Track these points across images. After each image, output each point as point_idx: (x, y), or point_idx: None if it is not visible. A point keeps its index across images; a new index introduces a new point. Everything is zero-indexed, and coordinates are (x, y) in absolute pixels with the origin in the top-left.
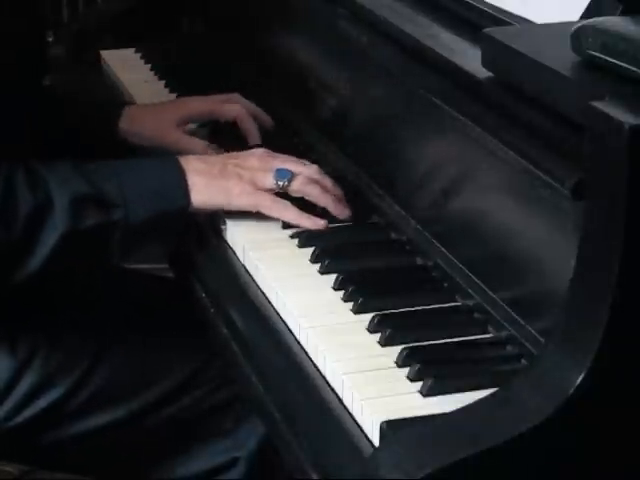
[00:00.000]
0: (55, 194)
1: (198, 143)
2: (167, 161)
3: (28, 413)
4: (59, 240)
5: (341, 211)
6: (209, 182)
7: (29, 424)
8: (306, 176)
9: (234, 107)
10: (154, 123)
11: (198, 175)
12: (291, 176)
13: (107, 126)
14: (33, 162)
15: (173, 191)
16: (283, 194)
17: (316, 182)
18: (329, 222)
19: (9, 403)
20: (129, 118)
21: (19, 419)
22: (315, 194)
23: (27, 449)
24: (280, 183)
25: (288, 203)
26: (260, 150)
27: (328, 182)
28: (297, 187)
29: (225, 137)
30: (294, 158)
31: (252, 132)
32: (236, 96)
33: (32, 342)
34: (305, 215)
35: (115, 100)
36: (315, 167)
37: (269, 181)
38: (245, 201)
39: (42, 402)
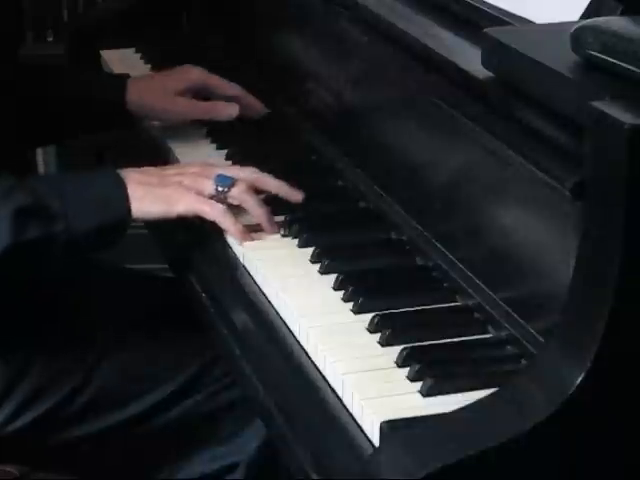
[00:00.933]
0: None
1: (220, 105)
2: (106, 173)
3: (26, 419)
4: (2, 253)
5: (270, 228)
6: (148, 191)
7: (27, 429)
8: (246, 182)
9: (234, 86)
10: (157, 94)
11: (137, 185)
12: (231, 182)
13: (115, 99)
14: None
15: (113, 202)
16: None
17: (258, 184)
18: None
19: (6, 409)
20: (133, 90)
21: (18, 424)
22: (250, 205)
23: (26, 453)
24: (220, 189)
25: (227, 209)
26: (199, 161)
27: (269, 180)
28: (236, 194)
29: (225, 136)
30: (236, 166)
31: (257, 107)
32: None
33: (27, 350)
34: (239, 227)
35: (113, 74)
36: (253, 169)
37: (209, 187)
38: (184, 207)
39: (39, 408)
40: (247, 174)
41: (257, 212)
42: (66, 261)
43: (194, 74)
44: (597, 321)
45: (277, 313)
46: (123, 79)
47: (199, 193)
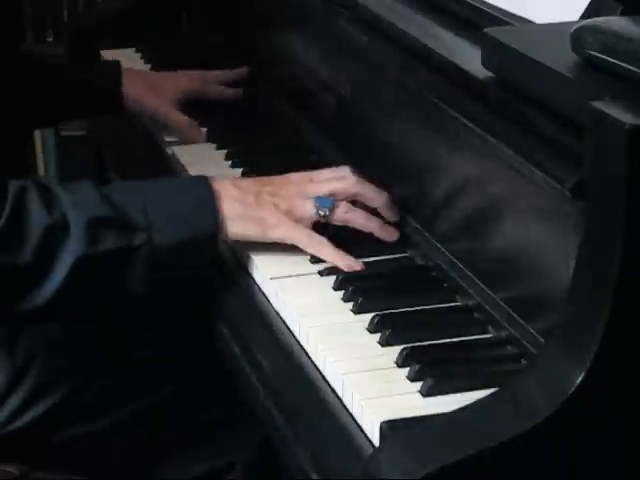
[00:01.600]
0: (71, 215)
1: (183, 119)
2: (199, 183)
3: (27, 418)
4: (73, 265)
5: (389, 234)
6: (244, 212)
7: (27, 429)
8: (347, 197)
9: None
10: (153, 94)
11: (232, 203)
12: (332, 204)
13: (112, 90)
14: (46, 180)
15: (204, 217)
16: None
17: (358, 198)
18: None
19: (7, 407)
20: (128, 83)
21: (18, 423)
22: (360, 222)
23: (26, 452)
24: (321, 212)
25: (325, 240)
26: (297, 175)
27: (370, 192)
28: (340, 216)
29: (225, 136)
30: (331, 174)
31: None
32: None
33: (28, 349)
34: (342, 255)
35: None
36: (352, 179)
37: (309, 210)
38: (281, 234)
39: (40, 408)
40: (347, 188)
41: (371, 227)
42: (148, 277)
43: (183, 83)
44: (597, 321)
45: (277, 313)
46: (117, 64)
47: (298, 220)
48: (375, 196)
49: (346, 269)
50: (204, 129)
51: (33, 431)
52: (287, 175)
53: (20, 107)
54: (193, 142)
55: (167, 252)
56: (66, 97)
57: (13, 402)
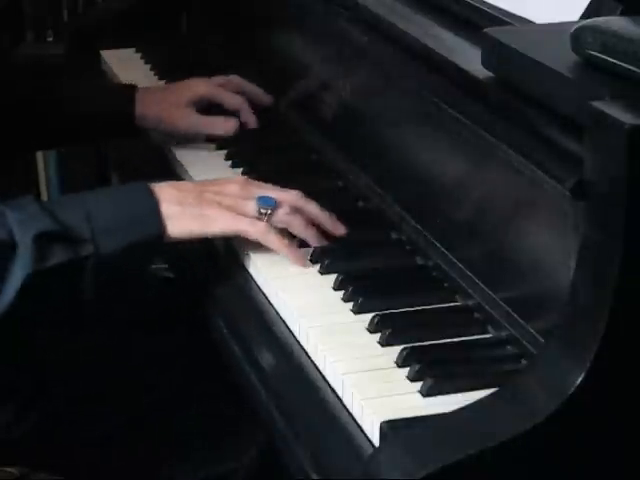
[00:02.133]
0: (17, 232)
1: (219, 120)
2: (138, 190)
3: (27, 424)
4: (25, 281)
5: (323, 243)
6: (184, 210)
7: (27, 433)
8: (290, 205)
9: (236, 99)
10: (163, 106)
11: (171, 203)
12: (274, 205)
13: (124, 111)
14: None
15: (145, 221)
16: None
17: (301, 210)
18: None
19: (5, 414)
20: (141, 102)
21: (17, 430)
22: (297, 226)
23: (27, 456)
24: (263, 211)
25: (270, 227)
26: (240, 178)
27: (313, 208)
28: (281, 217)
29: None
30: (275, 186)
31: (251, 123)
32: (236, 78)
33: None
34: (286, 243)
35: (122, 85)
36: (297, 192)
37: (251, 208)
38: (224, 226)
39: (39, 413)
40: (290, 197)
41: (306, 234)
42: (99, 283)
43: (199, 87)
44: (597, 321)
45: (277, 313)
46: (132, 90)
47: (240, 215)
48: (319, 213)
49: (293, 260)
50: (232, 118)
51: (32, 437)
52: (232, 178)
53: (23, 125)
54: (226, 134)
55: (113, 259)
56: (81, 129)
57: (11, 407)
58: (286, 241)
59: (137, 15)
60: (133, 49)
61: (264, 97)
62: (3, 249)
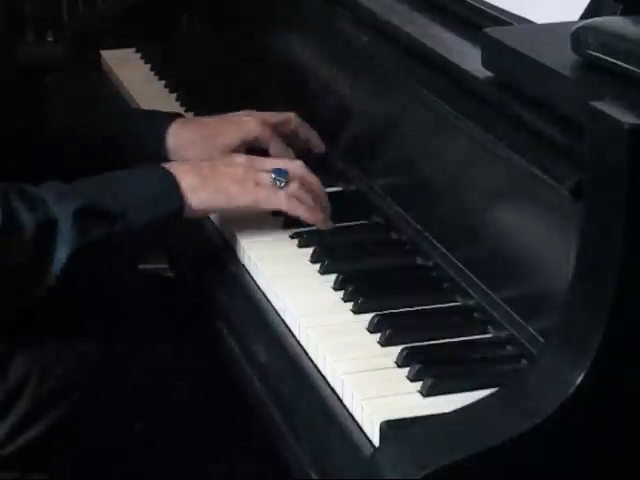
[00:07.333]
0: (56, 210)
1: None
2: (154, 169)
3: (25, 437)
4: (72, 255)
5: (326, 226)
6: (202, 182)
7: (30, 443)
8: (300, 179)
9: (292, 164)
10: (200, 149)
11: (189, 176)
12: (287, 177)
13: (156, 140)
14: (18, 184)
15: (168, 195)
16: None
17: (307, 183)
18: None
19: (4, 428)
20: (173, 141)
21: (17, 442)
22: (307, 203)
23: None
24: (278, 183)
25: (292, 196)
26: (244, 155)
27: (314, 180)
28: (293, 190)
29: None
30: (278, 159)
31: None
32: (295, 119)
33: (25, 362)
34: (315, 210)
35: (159, 111)
36: (301, 163)
37: (265, 179)
38: (245, 197)
39: (39, 426)
40: (297, 168)
41: (313, 212)
42: (127, 258)
43: (251, 127)
44: (597, 321)
45: (277, 313)
46: (165, 125)
47: (257, 185)
48: (316, 183)
49: (321, 225)
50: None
51: (32, 450)
52: (235, 153)
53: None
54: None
55: (142, 233)
56: (102, 157)
57: (9, 422)
58: (314, 207)
59: (137, 15)
60: (133, 49)
61: (319, 145)
62: (44, 228)
